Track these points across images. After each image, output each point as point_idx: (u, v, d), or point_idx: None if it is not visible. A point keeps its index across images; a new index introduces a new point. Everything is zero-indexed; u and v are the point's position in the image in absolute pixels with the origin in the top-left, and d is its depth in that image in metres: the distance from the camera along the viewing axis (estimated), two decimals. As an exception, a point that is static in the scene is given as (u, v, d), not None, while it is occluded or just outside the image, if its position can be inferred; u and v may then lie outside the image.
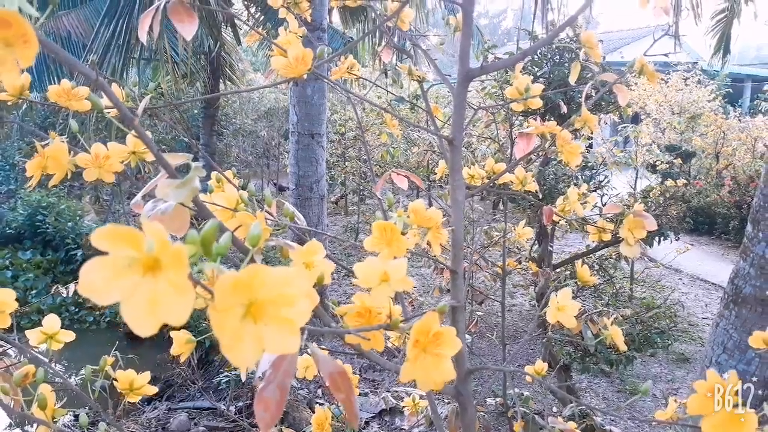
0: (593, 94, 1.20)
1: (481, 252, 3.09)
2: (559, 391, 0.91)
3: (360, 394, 3.51)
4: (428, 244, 0.86)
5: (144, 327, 0.34)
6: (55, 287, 1.45)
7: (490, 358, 3.76)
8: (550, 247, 3.80)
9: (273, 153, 8.53)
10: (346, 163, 6.56)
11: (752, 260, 1.69)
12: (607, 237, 1.32)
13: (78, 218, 5.58)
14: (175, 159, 0.68)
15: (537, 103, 1.00)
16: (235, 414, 3.64)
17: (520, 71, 1.10)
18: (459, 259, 0.90)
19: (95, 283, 0.33)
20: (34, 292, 4.85)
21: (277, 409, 0.47)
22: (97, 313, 4.87)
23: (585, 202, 1.37)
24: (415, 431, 3.24)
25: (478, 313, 2.41)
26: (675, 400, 1.21)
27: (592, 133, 1.24)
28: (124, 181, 5.78)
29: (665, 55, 1.24)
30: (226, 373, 3.62)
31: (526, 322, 4.19)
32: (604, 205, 1.25)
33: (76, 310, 4.78)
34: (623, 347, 1.00)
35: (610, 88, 1.07)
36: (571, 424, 1.31)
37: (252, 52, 8.57)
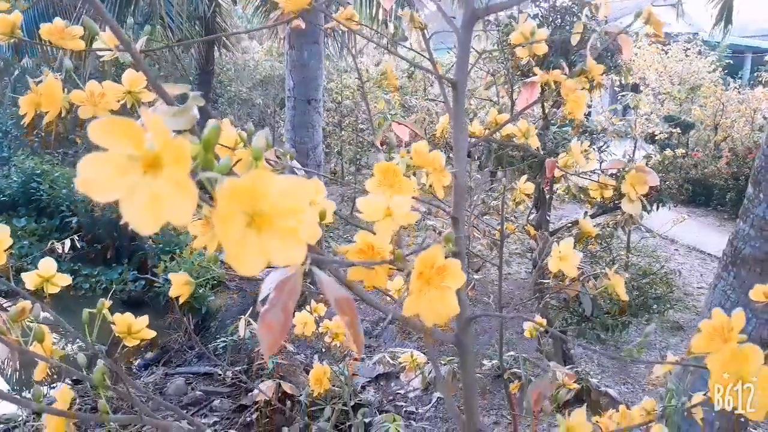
0: (598, 45, 1.18)
1: (479, 216, 3.08)
2: (558, 335, 0.91)
3: (356, 359, 3.53)
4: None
5: (145, 226, 0.32)
6: (50, 243, 1.43)
7: (486, 324, 3.78)
8: (547, 216, 3.80)
9: (269, 122, 8.46)
10: (343, 132, 6.52)
11: (752, 221, 1.68)
12: (609, 194, 1.31)
13: (72, 185, 5.54)
14: (173, 89, 0.66)
15: (542, 49, 0.98)
16: (232, 378, 3.66)
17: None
18: (461, 206, 0.88)
19: (94, 180, 0.32)
20: (29, 258, 4.84)
21: (281, 331, 0.46)
22: (93, 280, 4.87)
23: (587, 159, 1.35)
24: (411, 395, 3.27)
25: (475, 277, 2.41)
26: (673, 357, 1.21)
27: (592, 86, 1.23)
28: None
29: (672, 5, 1.22)
30: (223, 339, 3.64)
31: (522, 291, 4.21)
32: (603, 172, 1.24)
33: (72, 277, 4.77)
34: (625, 297, 1.00)
35: (613, 52, 1.05)
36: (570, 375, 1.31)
37: (247, 18, 8.44)
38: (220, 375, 3.77)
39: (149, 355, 4.13)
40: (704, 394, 1.05)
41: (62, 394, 0.62)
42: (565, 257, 0.97)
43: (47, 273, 0.82)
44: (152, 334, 0.82)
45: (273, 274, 0.49)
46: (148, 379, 3.81)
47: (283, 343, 3.52)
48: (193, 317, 4.30)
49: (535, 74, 1.04)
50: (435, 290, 0.57)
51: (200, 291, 4.33)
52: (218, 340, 3.69)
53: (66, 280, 0.84)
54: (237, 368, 3.58)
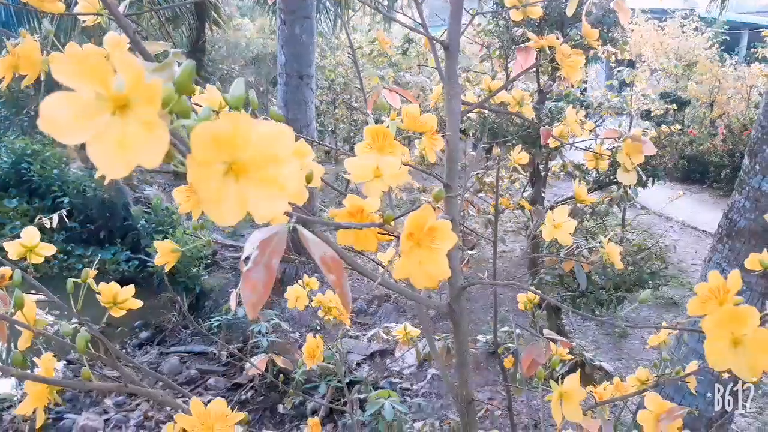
0: (593, 11, 1.15)
1: (474, 193, 3.06)
2: (553, 302, 0.90)
3: (351, 337, 3.54)
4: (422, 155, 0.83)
5: (114, 169, 0.30)
6: (38, 218, 1.41)
7: (481, 301, 3.79)
8: (542, 193, 3.79)
9: (261, 100, 8.39)
10: (336, 110, 6.45)
11: (748, 193, 1.67)
12: (604, 164, 1.29)
13: (64, 166, 5.50)
14: (154, 47, 0.64)
15: (537, 12, 0.95)
16: (227, 357, 3.67)
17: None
18: (454, 173, 0.87)
19: (59, 121, 0.30)
20: (21, 239, 4.80)
21: (264, 290, 0.44)
22: (86, 260, 4.84)
23: (583, 128, 1.33)
24: (406, 372, 3.28)
25: (469, 252, 2.40)
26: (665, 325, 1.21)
27: (588, 58, 1.20)
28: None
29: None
30: (217, 317, 3.63)
31: (517, 268, 4.21)
32: (598, 139, 1.23)
33: (65, 257, 4.75)
34: (620, 264, 0.99)
35: (609, 25, 1.02)
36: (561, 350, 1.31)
37: (240, -5, 8.33)
38: (214, 354, 3.78)
39: (143, 334, 4.13)
40: (698, 364, 1.05)
41: (45, 361, 0.61)
42: (559, 225, 0.95)
43: (30, 242, 0.80)
44: (138, 303, 0.81)
45: (256, 232, 0.48)
46: (142, 358, 3.81)
47: (278, 321, 3.49)
48: (187, 297, 4.29)
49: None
50: (425, 251, 0.55)
51: (194, 270, 4.31)
52: (212, 319, 3.69)
53: (50, 249, 0.82)
54: (232, 347, 3.58)
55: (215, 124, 0.33)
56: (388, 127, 0.72)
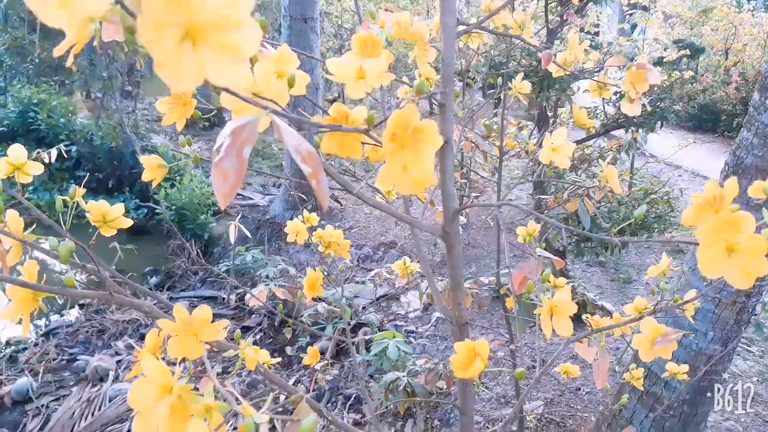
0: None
1: (484, 138, 3.02)
2: (555, 224, 0.88)
3: (358, 282, 3.56)
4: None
5: (53, 18, 0.29)
6: (36, 152, 1.40)
7: (486, 249, 3.79)
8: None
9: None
10: (344, 58, 6.31)
11: (756, 129, 1.63)
12: (608, 94, 1.26)
13: (70, 115, 5.48)
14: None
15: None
16: (236, 302, 3.72)
17: None
18: (449, 92, 0.84)
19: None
20: (31, 188, 4.83)
21: (236, 179, 0.43)
22: (96, 209, 4.88)
23: (587, 53, 1.29)
24: (411, 315, 3.32)
25: (474, 195, 2.39)
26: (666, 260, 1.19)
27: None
28: (115, 77, 5.62)
29: None
30: (225, 263, 3.66)
31: (522, 214, 4.19)
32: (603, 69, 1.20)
33: (75, 206, 4.80)
34: (618, 190, 0.97)
35: None
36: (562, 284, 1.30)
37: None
38: (223, 298, 3.83)
39: (153, 280, 4.18)
40: (697, 293, 1.04)
41: (28, 267, 0.60)
42: (557, 148, 0.93)
43: (18, 160, 0.79)
44: (128, 222, 0.80)
45: (229, 123, 0.46)
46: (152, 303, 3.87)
47: (285, 266, 3.48)
48: (196, 243, 4.33)
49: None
50: (410, 153, 0.54)
51: (202, 218, 4.33)
52: (221, 265, 3.72)
53: (38, 168, 0.81)
54: (240, 291, 3.63)
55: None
56: (377, 35, 0.69)
